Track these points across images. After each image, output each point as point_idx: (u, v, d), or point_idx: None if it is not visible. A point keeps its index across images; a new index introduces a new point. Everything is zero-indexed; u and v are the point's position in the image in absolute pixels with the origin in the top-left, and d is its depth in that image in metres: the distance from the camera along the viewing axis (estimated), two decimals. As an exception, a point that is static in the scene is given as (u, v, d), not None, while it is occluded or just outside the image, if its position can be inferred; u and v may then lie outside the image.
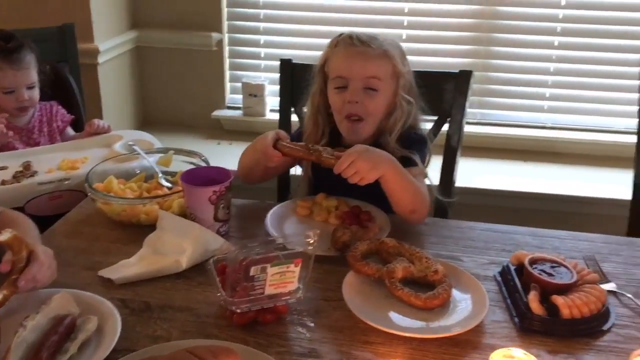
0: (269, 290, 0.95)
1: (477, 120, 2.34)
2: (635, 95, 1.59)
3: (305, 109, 1.53)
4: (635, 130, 1.61)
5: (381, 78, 1.37)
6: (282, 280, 0.95)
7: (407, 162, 1.34)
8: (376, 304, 1.06)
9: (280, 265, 0.93)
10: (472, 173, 2.17)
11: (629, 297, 1.10)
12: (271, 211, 1.34)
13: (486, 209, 2.04)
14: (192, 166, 1.44)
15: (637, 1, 2.14)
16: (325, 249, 1.21)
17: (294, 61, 1.66)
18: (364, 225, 1.29)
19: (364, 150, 1.22)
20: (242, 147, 2.31)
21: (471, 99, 2.31)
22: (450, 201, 1.53)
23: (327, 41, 1.44)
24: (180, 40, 2.40)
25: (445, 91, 1.58)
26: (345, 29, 2.23)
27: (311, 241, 0.94)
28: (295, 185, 1.63)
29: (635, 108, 1.60)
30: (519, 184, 2.12)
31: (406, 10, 2.29)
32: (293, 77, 1.65)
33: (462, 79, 1.58)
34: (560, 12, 2.19)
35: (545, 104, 2.31)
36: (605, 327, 1.02)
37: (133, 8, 2.40)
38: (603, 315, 1.03)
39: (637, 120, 1.59)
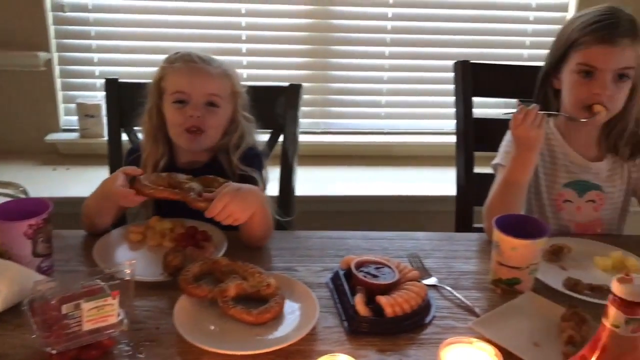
0: (87, 326, 0.90)
1: (320, 130, 2.41)
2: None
3: (139, 129, 1.49)
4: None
5: (222, 96, 1.40)
6: (101, 315, 0.90)
7: (249, 182, 1.35)
8: (210, 326, 1.04)
9: (95, 300, 0.88)
10: (317, 181, 2.23)
11: (448, 290, 1.18)
12: (99, 240, 1.28)
13: (332, 215, 2.11)
14: (9, 199, 1.33)
15: (451, 13, 2.32)
16: (158, 274, 1.18)
17: (120, 80, 1.60)
18: (200, 246, 1.27)
19: (236, 191, 1.20)
20: (80, 171, 2.23)
21: (313, 109, 2.40)
22: (289, 220, 1.56)
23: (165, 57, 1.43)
24: (2, 61, 2.22)
25: (277, 105, 1.61)
26: (184, 44, 2.23)
27: (128, 271, 0.91)
28: (134, 210, 1.56)
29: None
30: (363, 188, 2.21)
31: (243, 25, 2.30)
32: (120, 97, 1.59)
33: (292, 92, 1.62)
34: (389, 24, 2.33)
35: (382, 110, 2.44)
36: (426, 321, 1.09)
37: (-57, 27, 2.18)
38: (424, 309, 1.10)
39: (455, 121, 1.72)
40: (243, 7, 2.27)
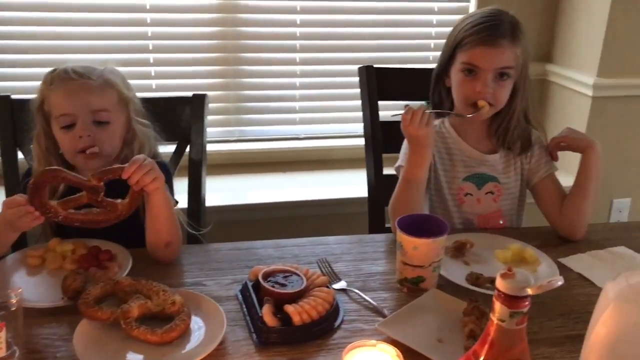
0: (-28, 363, 0.85)
1: (235, 138, 2.39)
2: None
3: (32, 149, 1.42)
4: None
5: (109, 109, 1.34)
6: (-13, 349, 0.85)
7: None
8: (113, 350, 1.01)
9: (-22, 334, 0.83)
10: (234, 190, 2.22)
11: (356, 292, 1.19)
12: (-7, 267, 1.21)
13: (250, 224, 2.10)
14: None
15: (358, 18, 2.35)
16: (58, 298, 1.13)
17: (13, 97, 1.52)
18: (103, 266, 1.23)
19: (145, 156, 1.21)
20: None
21: (227, 117, 2.38)
22: (202, 232, 1.52)
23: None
24: None
25: (182, 115, 1.58)
26: (89, 56, 2.15)
27: (14, 300, 0.86)
28: (37, 232, 1.49)
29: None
30: (279, 195, 2.20)
31: (150, 34, 2.24)
32: (13, 114, 1.51)
33: (196, 102, 1.59)
34: (297, 30, 2.34)
35: (297, 116, 2.45)
36: (335, 325, 1.10)
37: None
38: (332, 314, 1.11)
39: (363, 124, 1.75)
40: (148, 16, 2.22)
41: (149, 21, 2.22)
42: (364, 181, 1.79)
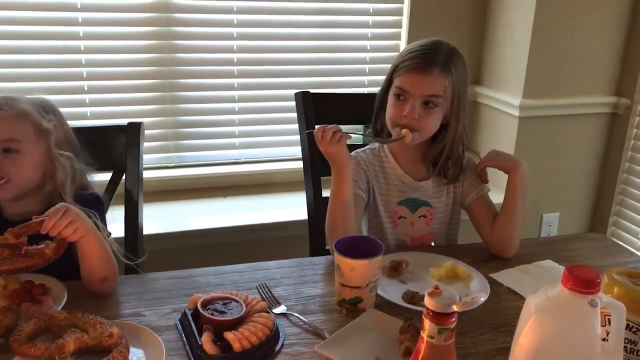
0: None
1: (174, 164, 2.38)
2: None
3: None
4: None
5: (20, 139, 1.30)
6: None
7: None
8: (48, 386, 0.99)
9: None
10: (174, 217, 2.20)
11: (296, 316, 1.21)
12: None
13: (189, 250, 2.08)
14: None
15: (293, 44, 2.41)
16: (-11, 337, 1.10)
17: None
18: (37, 301, 1.20)
19: (67, 205, 1.19)
20: None
21: (166, 143, 2.37)
22: (139, 262, 1.50)
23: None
24: None
25: (117, 144, 1.56)
26: (24, 85, 2.10)
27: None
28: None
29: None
30: (220, 220, 2.20)
31: (84, 62, 2.21)
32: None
33: (132, 130, 1.58)
34: (234, 56, 2.36)
35: (237, 141, 2.46)
36: (276, 350, 1.11)
37: None
38: (272, 339, 1.12)
39: (300, 147, 1.79)
40: (82, 43, 2.19)
41: (82, 48, 2.19)
42: (305, 204, 1.82)
